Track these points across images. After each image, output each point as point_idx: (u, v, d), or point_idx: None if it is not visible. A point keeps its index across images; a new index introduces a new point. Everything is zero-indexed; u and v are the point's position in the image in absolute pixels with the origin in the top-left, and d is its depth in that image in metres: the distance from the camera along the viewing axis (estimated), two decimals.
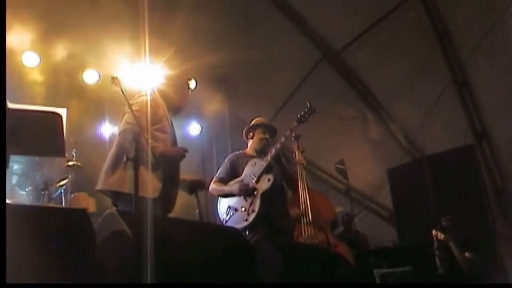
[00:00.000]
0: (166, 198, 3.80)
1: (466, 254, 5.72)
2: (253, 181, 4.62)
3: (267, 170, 4.64)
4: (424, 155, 8.29)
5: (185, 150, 3.89)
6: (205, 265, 2.35)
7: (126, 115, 3.72)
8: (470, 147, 7.48)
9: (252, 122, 5.18)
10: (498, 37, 7.20)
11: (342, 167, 7.12)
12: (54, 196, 6.24)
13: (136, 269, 2.01)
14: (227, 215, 4.62)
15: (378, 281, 5.89)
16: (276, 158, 4.70)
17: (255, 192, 4.57)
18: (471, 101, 7.92)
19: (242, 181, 4.71)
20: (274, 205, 4.61)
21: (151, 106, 3.81)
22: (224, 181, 4.86)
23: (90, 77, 6.80)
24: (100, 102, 6.76)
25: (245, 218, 4.48)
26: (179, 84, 4.24)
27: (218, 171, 5.03)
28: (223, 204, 4.75)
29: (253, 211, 4.48)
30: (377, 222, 9.22)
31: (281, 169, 4.79)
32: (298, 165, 5.16)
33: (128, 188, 3.47)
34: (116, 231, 2.13)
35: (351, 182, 7.90)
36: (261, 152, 4.92)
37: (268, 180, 4.59)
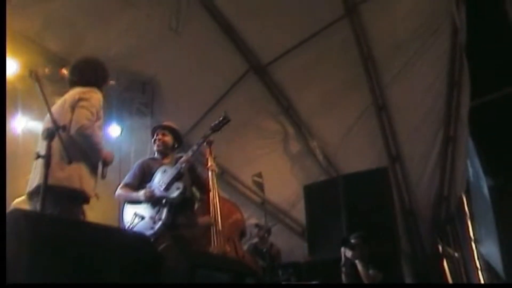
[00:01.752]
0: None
1: (370, 271, 5.91)
2: (161, 189, 4.51)
3: (177, 177, 4.53)
4: (340, 173, 8.50)
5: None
6: (110, 270, 2.27)
7: (82, 110, 3.64)
8: (384, 169, 7.73)
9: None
10: (418, 64, 7.55)
11: (259, 179, 7.13)
12: None
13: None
14: (131, 222, 4.46)
15: None
16: (188, 165, 4.62)
17: (163, 201, 4.46)
18: (389, 124, 8.22)
19: (150, 187, 4.58)
20: (182, 214, 4.53)
21: (99, 104, 3.82)
22: (131, 186, 4.72)
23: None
24: (14, 94, 6.42)
25: (151, 227, 4.36)
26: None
27: (126, 176, 4.89)
28: (129, 211, 4.60)
29: (159, 219, 4.37)
30: (290, 237, 9.34)
31: (194, 177, 4.75)
32: (210, 171, 5.13)
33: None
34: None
35: (267, 195, 7.96)
36: (162, 156, 4.86)
37: (178, 188, 4.48)
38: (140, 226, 4.41)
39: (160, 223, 4.35)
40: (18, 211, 2.15)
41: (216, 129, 4.74)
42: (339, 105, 8.23)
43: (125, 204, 4.67)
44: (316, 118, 8.59)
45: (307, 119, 8.61)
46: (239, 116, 8.19)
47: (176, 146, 4.99)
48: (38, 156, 3.18)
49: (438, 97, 7.84)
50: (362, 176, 7.61)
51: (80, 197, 3.60)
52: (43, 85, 3.28)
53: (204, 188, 4.95)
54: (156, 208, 4.45)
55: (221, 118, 4.75)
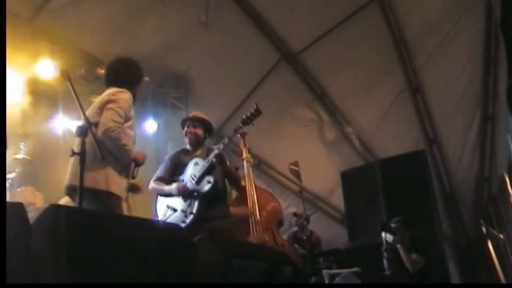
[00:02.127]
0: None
1: (413, 256, 5.86)
2: (193, 182, 4.51)
3: (208, 171, 4.52)
4: (377, 158, 8.43)
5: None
6: (145, 262, 2.32)
7: (109, 112, 3.68)
8: (421, 152, 7.64)
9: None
10: (451, 44, 7.42)
11: (295, 168, 7.14)
12: None
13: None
14: (164, 215, 4.50)
15: (327, 281, 5.96)
16: (219, 158, 4.54)
17: (195, 194, 4.47)
18: (424, 106, 8.11)
19: (182, 181, 4.59)
20: (214, 207, 4.52)
21: (129, 104, 3.85)
22: (163, 179, 4.74)
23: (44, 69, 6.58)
24: (54, 96, 6.60)
25: (183, 220, 4.37)
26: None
27: (159, 169, 4.91)
28: (162, 204, 4.63)
29: (191, 212, 4.39)
30: (329, 224, 9.33)
31: (225, 170, 4.66)
32: (245, 163, 5.16)
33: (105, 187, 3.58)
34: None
35: (305, 184, 7.96)
36: (193, 148, 4.84)
37: (209, 182, 4.47)
38: (172, 218, 4.44)
39: (191, 216, 4.36)
40: (54, 207, 2.21)
41: (247, 121, 4.67)
42: (373, 89, 8.17)
43: (158, 197, 4.70)
44: (351, 104, 8.54)
45: (341, 105, 8.56)
46: (273, 106, 8.26)
47: (207, 136, 4.96)
48: (73, 153, 3.26)
49: (473, 77, 7.70)
50: (399, 160, 7.54)
51: (108, 198, 3.61)
52: (77, 84, 3.37)
53: (236, 181, 4.90)
54: (188, 201, 4.46)
55: (252, 111, 4.68)
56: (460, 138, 8.16)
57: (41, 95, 6.49)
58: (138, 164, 3.87)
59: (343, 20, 7.43)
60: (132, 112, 3.91)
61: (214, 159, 4.49)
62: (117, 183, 3.67)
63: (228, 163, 4.71)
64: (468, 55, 7.57)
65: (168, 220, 4.43)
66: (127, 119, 3.80)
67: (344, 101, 8.52)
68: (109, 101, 3.75)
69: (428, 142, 8.25)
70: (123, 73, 4.05)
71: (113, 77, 4.05)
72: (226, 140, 4.62)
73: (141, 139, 7.56)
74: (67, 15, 6.35)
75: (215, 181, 4.50)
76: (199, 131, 4.85)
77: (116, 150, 3.65)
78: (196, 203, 4.42)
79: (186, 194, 4.48)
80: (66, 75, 3.33)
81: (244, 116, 4.70)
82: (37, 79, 6.44)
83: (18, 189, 6.07)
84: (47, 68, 6.33)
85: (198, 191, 4.47)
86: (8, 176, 6.06)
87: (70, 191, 3.69)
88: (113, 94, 3.83)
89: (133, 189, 4.12)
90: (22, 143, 6.26)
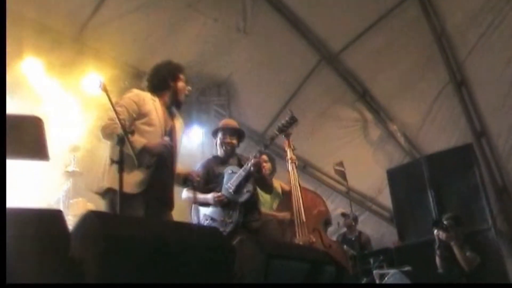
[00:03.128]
0: (160, 193, 3.86)
1: (467, 253, 5.72)
2: (230, 191, 4.50)
3: (245, 180, 4.51)
4: (423, 154, 8.30)
5: (169, 142, 3.90)
6: (185, 265, 2.36)
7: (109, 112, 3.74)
8: (469, 146, 7.49)
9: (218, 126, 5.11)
10: (495, 36, 7.23)
11: (340, 168, 7.08)
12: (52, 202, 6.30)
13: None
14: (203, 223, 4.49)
15: (377, 281, 5.89)
16: (257, 167, 4.50)
17: (233, 203, 4.48)
18: (470, 100, 7.95)
19: (219, 190, 4.56)
20: (251, 212, 4.54)
21: (135, 101, 3.87)
22: (197, 188, 4.59)
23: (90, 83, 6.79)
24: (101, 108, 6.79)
25: (223, 229, 4.30)
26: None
27: None
28: (198, 213, 4.58)
29: (230, 222, 4.41)
30: (379, 223, 9.25)
31: (261, 177, 4.64)
32: (290, 163, 5.15)
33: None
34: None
35: (352, 184, 7.89)
36: (227, 157, 4.81)
37: (247, 191, 4.49)
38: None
39: (231, 225, 4.38)
40: (90, 213, 2.28)
41: (283, 129, 4.66)
42: (416, 85, 8.04)
43: (193, 206, 4.65)
44: (394, 101, 8.43)
45: (384, 103, 8.47)
46: (316, 107, 8.29)
47: (238, 145, 4.95)
48: (113, 162, 3.36)
49: None
50: (446, 155, 7.43)
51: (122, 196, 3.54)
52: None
53: (270, 188, 4.91)
54: (227, 211, 4.46)
55: (287, 118, 4.67)
56: (510, 129, 7.93)
57: (88, 108, 6.69)
58: (152, 154, 3.78)
59: (381, 17, 7.34)
60: (148, 108, 3.90)
61: (251, 168, 4.47)
62: (127, 180, 3.55)
63: (264, 170, 4.73)
64: None
65: None
66: (139, 115, 3.84)
67: (387, 99, 8.42)
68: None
69: (476, 136, 8.06)
70: (153, 78, 4.13)
71: (147, 84, 4.14)
72: (262, 149, 4.62)
73: (187, 147, 7.74)
74: (109, 30, 6.55)
75: (254, 189, 4.55)
76: (235, 141, 4.85)
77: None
78: (235, 213, 4.43)
79: (223, 204, 4.49)
80: (102, 86, 3.42)
81: (280, 124, 4.69)
82: (84, 94, 6.67)
83: (71, 201, 6.29)
84: (93, 83, 6.52)
85: (236, 201, 4.49)
86: (62, 188, 6.31)
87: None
88: (123, 98, 3.94)
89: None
90: (73, 156, 6.47)
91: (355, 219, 7.81)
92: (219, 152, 4.86)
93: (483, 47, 7.38)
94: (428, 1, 7.24)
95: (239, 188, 4.49)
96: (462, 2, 7.18)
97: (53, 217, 2.16)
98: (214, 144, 4.97)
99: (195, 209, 4.61)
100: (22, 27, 5.71)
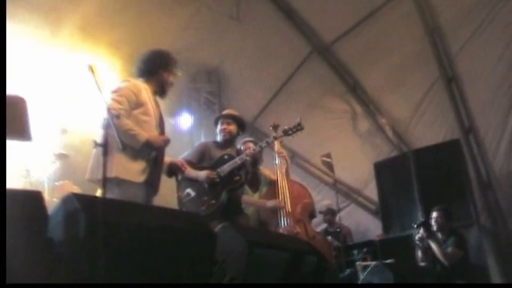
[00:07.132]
0: (153, 182, 3.94)
1: (449, 249, 5.79)
2: (222, 175, 4.60)
3: (238, 168, 4.63)
4: (411, 149, 8.33)
5: (168, 138, 4.04)
6: (164, 252, 2.36)
7: (109, 102, 3.75)
8: (456, 141, 7.53)
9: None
10: (487, 32, 7.25)
11: (328, 159, 7.11)
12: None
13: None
14: (183, 197, 4.62)
15: (360, 273, 5.95)
16: (253, 159, 4.69)
17: (221, 185, 4.58)
18: (460, 95, 7.96)
19: (212, 170, 4.65)
20: (234, 201, 4.70)
21: (133, 92, 3.92)
22: (191, 163, 4.77)
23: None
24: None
25: (203, 207, 4.48)
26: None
27: (187, 153, 5.01)
28: (183, 186, 4.70)
29: (213, 203, 4.50)
30: (364, 216, 9.28)
31: (253, 171, 4.77)
32: (278, 156, 5.25)
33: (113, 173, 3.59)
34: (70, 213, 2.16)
35: (339, 176, 7.93)
36: (226, 144, 4.94)
37: (238, 177, 4.63)
38: (189, 201, 4.58)
39: (213, 206, 4.48)
40: (71, 195, 2.27)
41: (288, 133, 4.76)
42: (407, 79, 8.04)
43: (181, 179, 4.75)
44: (384, 95, 8.43)
45: (374, 96, 8.46)
46: (306, 98, 8.29)
47: (240, 134, 5.10)
48: (96, 145, 3.23)
49: (511, 65, 7.49)
50: (433, 150, 7.48)
51: (120, 184, 3.66)
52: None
53: (257, 184, 5.01)
54: (211, 190, 4.56)
55: (295, 124, 4.76)
56: (498, 126, 7.94)
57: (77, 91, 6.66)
58: (154, 148, 3.88)
59: (374, 10, 7.34)
60: (144, 98, 3.96)
61: (247, 158, 4.61)
62: (125, 168, 3.70)
63: (258, 166, 4.90)
64: (505, 42, 7.35)
65: (187, 203, 4.56)
66: (136, 105, 3.90)
67: (377, 92, 8.41)
68: (112, 92, 3.88)
69: (464, 132, 8.08)
70: (140, 65, 4.17)
71: (135, 70, 4.19)
72: (264, 144, 4.77)
73: (176, 133, 7.73)
74: (103, 14, 6.50)
75: (244, 178, 4.66)
76: (233, 129, 4.98)
77: (120, 135, 3.58)
78: (221, 195, 4.53)
79: (212, 183, 4.57)
80: (89, 68, 3.40)
81: (286, 127, 4.80)
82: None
83: (56, 183, 6.27)
84: (82, 64, 6.47)
85: (224, 185, 4.58)
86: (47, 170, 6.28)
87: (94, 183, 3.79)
88: (117, 85, 3.98)
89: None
90: (60, 138, 6.44)
91: (334, 213, 7.83)
92: (219, 138, 5.02)
93: (475, 43, 7.39)
94: None
95: (230, 174, 4.62)
96: None
97: (31, 198, 2.15)
98: (215, 131, 5.12)
99: (180, 181, 4.72)
100: None
